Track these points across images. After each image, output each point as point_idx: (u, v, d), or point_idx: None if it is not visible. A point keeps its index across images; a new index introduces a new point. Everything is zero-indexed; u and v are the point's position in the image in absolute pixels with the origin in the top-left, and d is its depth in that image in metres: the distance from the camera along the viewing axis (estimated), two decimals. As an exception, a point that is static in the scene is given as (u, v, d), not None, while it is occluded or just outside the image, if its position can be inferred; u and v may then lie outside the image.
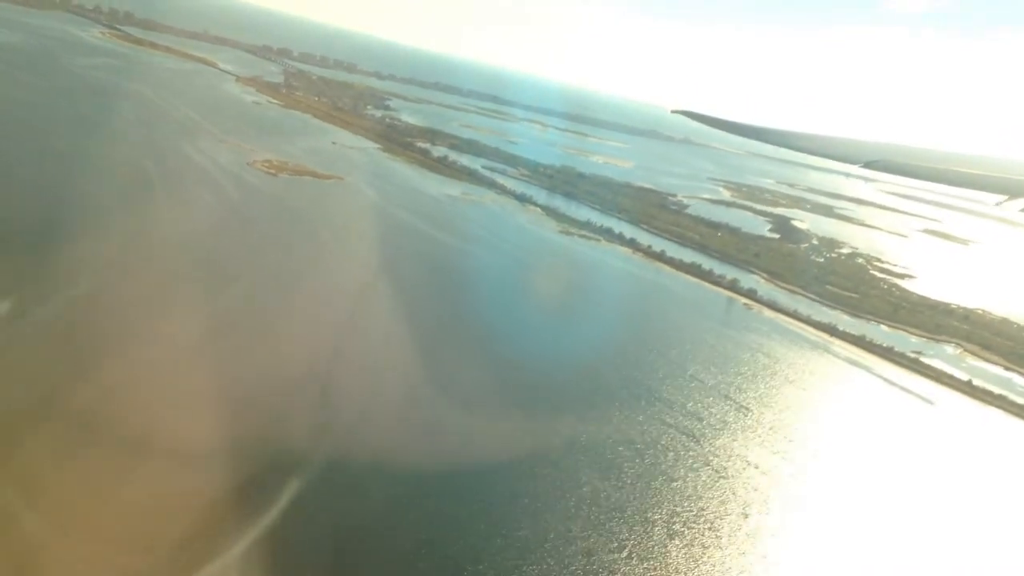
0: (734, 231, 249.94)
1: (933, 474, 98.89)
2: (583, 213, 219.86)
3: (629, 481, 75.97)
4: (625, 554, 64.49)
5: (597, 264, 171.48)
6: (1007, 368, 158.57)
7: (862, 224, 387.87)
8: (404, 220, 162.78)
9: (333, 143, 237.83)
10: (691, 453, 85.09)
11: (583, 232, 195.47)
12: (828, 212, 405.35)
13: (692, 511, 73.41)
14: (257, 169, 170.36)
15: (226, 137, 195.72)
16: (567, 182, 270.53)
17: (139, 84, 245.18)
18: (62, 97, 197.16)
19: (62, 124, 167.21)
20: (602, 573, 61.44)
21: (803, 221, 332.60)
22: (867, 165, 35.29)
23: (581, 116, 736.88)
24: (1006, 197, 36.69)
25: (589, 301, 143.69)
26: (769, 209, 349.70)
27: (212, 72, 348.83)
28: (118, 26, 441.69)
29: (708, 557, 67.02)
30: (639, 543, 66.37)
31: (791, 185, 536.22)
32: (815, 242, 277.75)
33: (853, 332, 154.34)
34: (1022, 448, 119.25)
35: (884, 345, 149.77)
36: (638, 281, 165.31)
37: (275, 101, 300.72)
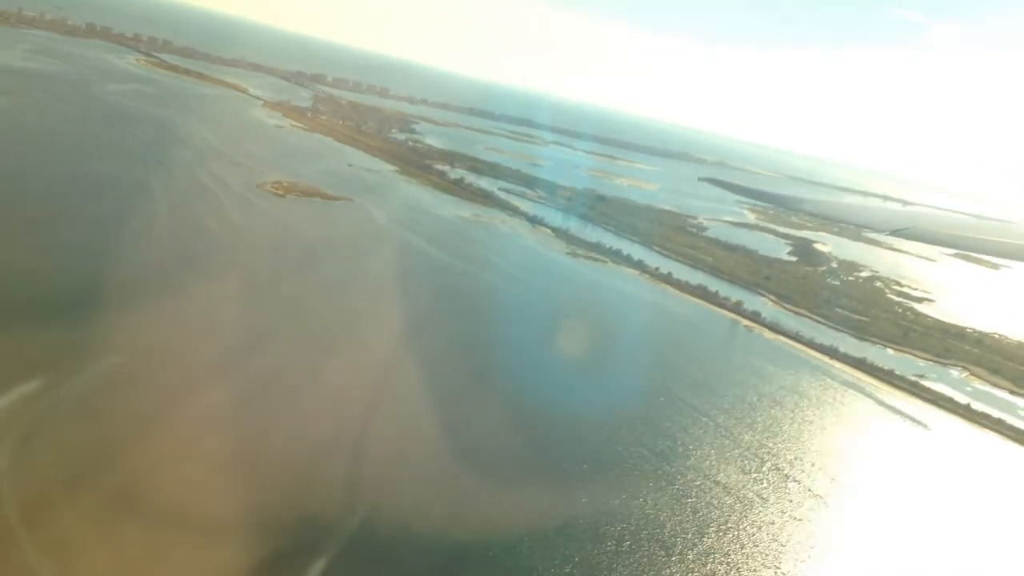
0: (750, 254, 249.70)
1: (908, 495, 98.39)
2: (596, 235, 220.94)
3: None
4: None
5: (599, 285, 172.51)
6: (1013, 392, 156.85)
7: (889, 248, 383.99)
8: (407, 241, 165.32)
9: (349, 165, 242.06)
10: (661, 471, 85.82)
11: (591, 254, 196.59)
12: (854, 236, 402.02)
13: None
14: (265, 191, 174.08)
15: (241, 160, 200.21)
16: (584, 204, 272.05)
17: (164, 110, 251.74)
18: (85, 123, 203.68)
19: (79, 149, 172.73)
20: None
21: (826, 244, 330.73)
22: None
23: (612, 139, 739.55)
24: None
25: (587, 322, 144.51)
26: (793, 232, 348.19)
27: (241, 98, 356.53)
28: (155, 54, 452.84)
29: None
30: None
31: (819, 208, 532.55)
32: (834, 265, 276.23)
33: (855, 355, 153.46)
34: (1004, 470, 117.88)
35: (885, 368, 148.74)
36: (639, 303, 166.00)
37: (299, 125, 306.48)
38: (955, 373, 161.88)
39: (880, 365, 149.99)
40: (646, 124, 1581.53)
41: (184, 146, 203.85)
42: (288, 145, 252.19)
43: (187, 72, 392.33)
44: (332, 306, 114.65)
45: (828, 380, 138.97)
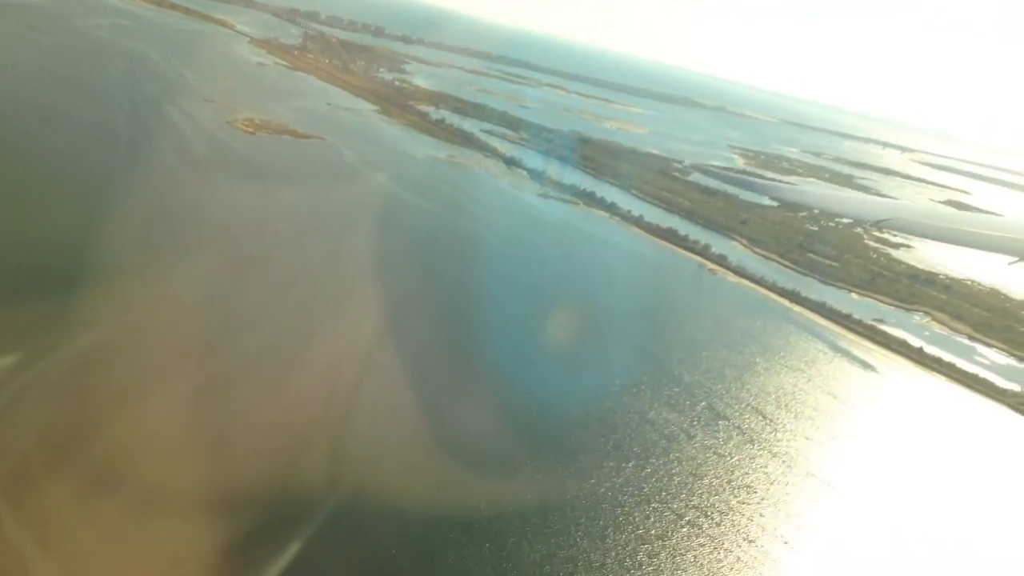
0: (730, 199, 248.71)
1: (836, 431, 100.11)
2: (573, 178, 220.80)
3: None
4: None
5: (566, 226, 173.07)
6: (971, 338, 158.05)
7: (879, 195, 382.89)
8: (372, 180, 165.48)
9: (328, 104, 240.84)
10: (592, 405, 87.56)
11: (564, 196, 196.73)
12: (846, 182, 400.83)
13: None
14: (235, 128, 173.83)
15: (216, 97, 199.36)
16: (566, 147, 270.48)
17: (143, 44, 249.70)
18: (59, 55, 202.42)
19: (48, 82, 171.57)
20: None
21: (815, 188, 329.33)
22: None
23: (612, 83, 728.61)
24: (1017, 259, 38.10)
25: (545, 263, 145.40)
26: (781, 178, 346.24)
27: (226, 34, 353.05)
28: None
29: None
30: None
31: (817, 154, 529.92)
32: (816, 211, 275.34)
33: (815, 299, 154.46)
34: (940, 412, 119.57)
35: (843, 312, 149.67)
36: (604, 244, 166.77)
37: (283, 63, 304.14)
38: (916, 318, 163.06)
39: (839, 309, 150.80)
40: (654, 69, 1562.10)
41: (157, 81, 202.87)
42: (268, 83, 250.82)
43: (173, 7, 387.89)
44: (279, 242, 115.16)
45: (783, 323, 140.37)
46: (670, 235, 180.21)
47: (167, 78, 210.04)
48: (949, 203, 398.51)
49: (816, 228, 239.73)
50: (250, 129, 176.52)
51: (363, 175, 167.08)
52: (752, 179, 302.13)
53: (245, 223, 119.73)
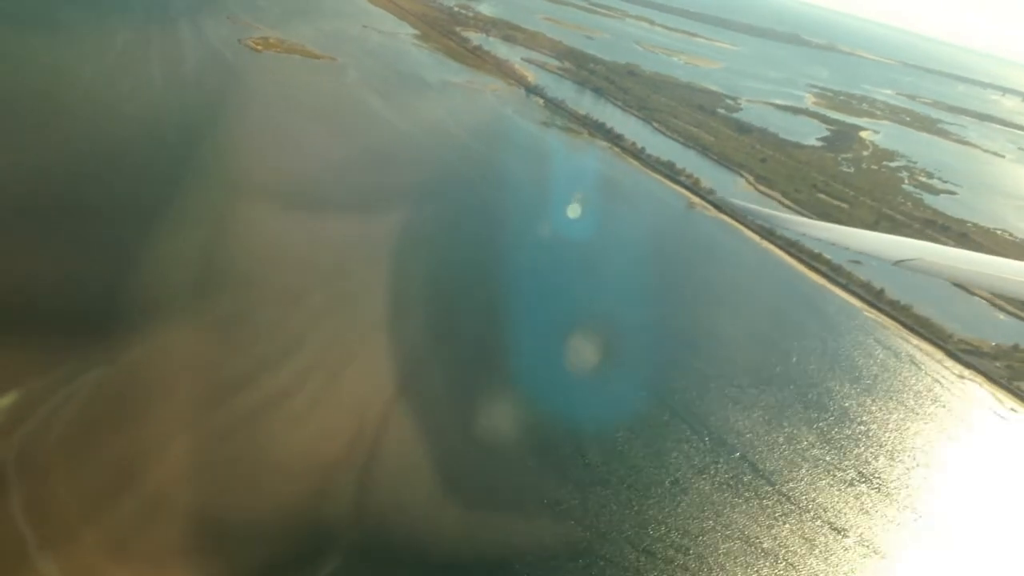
0: (766, 136, 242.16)
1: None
2: (595, 109, 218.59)
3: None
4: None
5: (550, 154, 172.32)
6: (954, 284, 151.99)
7: (957, 140, 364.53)
8: (363, 101, 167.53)
9: (364, 27, 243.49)
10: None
11: (570, 125, 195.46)
12: (927, 126, 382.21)
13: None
14: (244, 46, 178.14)
15: (242, 15, 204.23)
16: (607, 79, 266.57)
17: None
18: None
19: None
20: None
21: (877, 133, 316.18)
22: (898, 264, 32.53)
23: (711, 17, 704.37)
24: None
25: (513, 188, 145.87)
26: (846, 118, 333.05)
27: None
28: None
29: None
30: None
31: (912, 97, 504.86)
32: (865, 153, 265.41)
33: (789, 237, 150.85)
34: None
35: (814, 252, 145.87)
36: (586, 174, 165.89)
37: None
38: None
39: (812, 250, 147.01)
40: (777, 3, 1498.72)
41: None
42: (309, 3, 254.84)
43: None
44: (227, 159, 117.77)
45: (743, 259, 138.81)
46: (666, 168, 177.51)
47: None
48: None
49: (851, 170, 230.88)
50: (259, 47, 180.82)
51: (355, 97, 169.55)
52: (807, 119, 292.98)
53: (201, 140, 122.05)
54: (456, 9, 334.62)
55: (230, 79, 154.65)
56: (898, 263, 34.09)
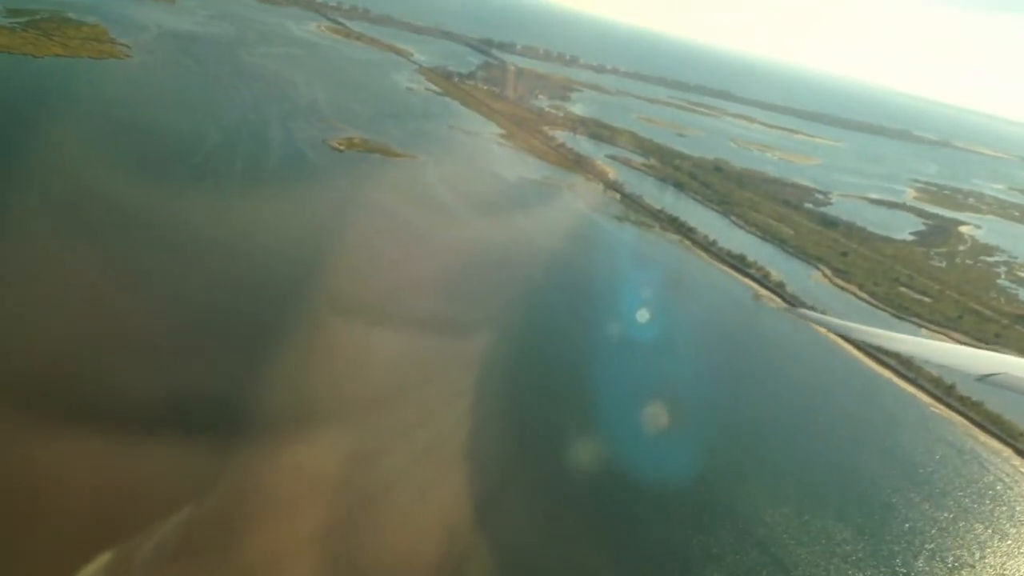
0: (853, 230, 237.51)
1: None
2: (673, 203, 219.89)
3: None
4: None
5: (617, 245, 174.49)
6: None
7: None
8: (439, 198, 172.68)
9: (450, 127, 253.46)
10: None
11: (643, 219, 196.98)
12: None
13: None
14: (328, 146, 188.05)
15: (332, 118, 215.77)
16: (690, 174, 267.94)
17: (295, 71, 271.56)
18: (201, 79, 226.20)
19: (164, 101, 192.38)
20: None
21: (979, 227, 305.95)
22: (980, 379, 31.27)
23: (819, 115, 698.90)
24: None
25: (574, 277, 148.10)
26: (946, 212, 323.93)
27: (396, 62, 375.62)
28: (340, 20, 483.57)
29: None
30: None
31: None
32: (961, 247, 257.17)
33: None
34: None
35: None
36: (653, 264, 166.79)
37: (434, 88, 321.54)
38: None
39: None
40: (895, 100, 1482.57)
41: (283, 102, 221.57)
42: (400, 105, 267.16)
43: (359, 37, 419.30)
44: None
45: (802, 347, 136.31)
46: (737, 260, 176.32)
47: (297, 100, 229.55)
48: None
49: (942, 264, 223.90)
50: (342, 147, 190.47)
51: (430, 191, 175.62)
52: (903, 213, 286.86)
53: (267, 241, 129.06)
54: (548, 109, 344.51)
55: (306, 175, 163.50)
56: (981, 378, 32.30)
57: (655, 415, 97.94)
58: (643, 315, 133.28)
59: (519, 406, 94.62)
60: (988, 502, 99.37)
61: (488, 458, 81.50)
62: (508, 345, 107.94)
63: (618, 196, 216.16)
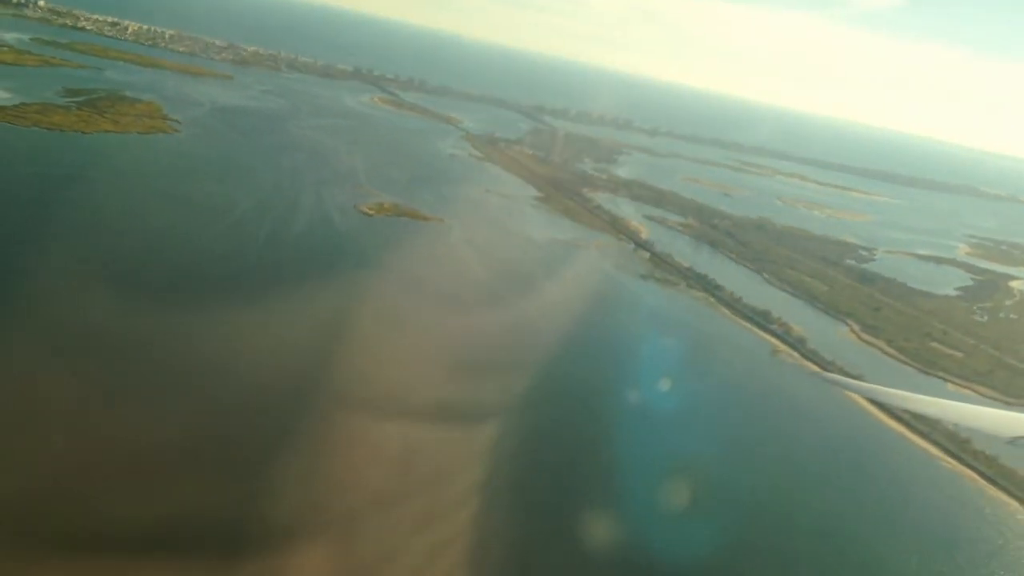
0: (891, 285, 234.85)
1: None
2: (704, 262, 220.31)
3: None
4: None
5: (637, 304, 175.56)
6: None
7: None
8: (461, 259, 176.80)
9: (486, 191, 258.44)
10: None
11: (669, 277, 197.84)
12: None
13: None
14: (357, 211, 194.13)
15: (367, 184, 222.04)
16: (728, 233, 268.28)
17: (338, 140, 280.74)
18: (243, 151, 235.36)
19: (205, 172, 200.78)
20: None
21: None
22: (1012, 441, 31.82)
23: (876, 172, 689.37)
24: None
25: (583, 339, 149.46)
26: (998, 268, 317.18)
27: (443, 130, 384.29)
28: (395, 91, 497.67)
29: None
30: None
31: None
32: (1008, 303, 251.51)
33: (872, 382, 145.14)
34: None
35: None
36: (668, 322, 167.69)
37: (477, 154, 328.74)
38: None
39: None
40: (962, 155, 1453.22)
41: (322, 170, 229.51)
42: (437, 171, 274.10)
43: (412, 108, 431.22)
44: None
45: (817, 404, 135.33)
46: (760, 317, 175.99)
47: (335, 168, 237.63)
48: None
49: (984, 319, 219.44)
50: (371, 212, 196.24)
51: (453, 253, 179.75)
52: (951, 268, 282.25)
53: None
54: (590, 172, 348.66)
55: (330, 240, 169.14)
56: (1012, 441, 32.69)
57: (671, 491, 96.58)
58: (658, 378, 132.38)
59: (530, 487, 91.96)
60: (985, 558, 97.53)
61: (502, 547, 79.35)
62: (519, 419, 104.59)
63: (647, 255, 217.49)
